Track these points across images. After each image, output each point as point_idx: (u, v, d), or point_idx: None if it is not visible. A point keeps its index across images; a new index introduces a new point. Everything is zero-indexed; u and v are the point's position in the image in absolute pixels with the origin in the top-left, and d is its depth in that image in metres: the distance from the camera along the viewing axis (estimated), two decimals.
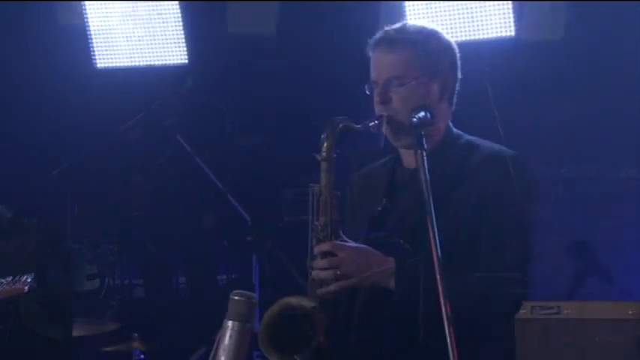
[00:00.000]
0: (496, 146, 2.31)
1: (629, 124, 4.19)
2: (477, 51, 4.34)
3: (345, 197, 2.35)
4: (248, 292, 2.14)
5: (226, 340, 2.10)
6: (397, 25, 2.31)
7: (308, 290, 2.19)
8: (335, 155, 2.19)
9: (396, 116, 2.24)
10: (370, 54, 2.30)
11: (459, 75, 2.34)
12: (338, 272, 2.12)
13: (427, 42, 2.28)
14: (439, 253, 1.94)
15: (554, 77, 4.36)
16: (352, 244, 2.18)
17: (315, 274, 2.16)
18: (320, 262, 2.15)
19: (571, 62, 4.34)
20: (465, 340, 1.89)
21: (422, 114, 2.13)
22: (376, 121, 2.23)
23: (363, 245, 2.19)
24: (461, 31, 4.40)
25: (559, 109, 4.33)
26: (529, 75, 4.36)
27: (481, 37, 4.38)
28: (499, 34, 4.37)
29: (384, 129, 2.25)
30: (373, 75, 2.29)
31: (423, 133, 2.08)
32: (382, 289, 2.16)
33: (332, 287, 2.14)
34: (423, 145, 2.05)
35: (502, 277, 2.15)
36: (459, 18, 4.41)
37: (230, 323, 2.11)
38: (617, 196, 4.24)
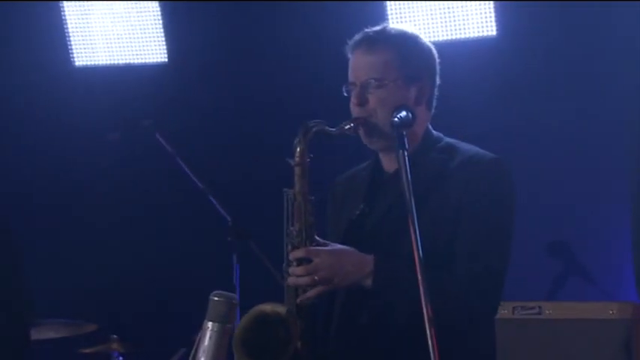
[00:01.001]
0: (475, 149, 2.32)
1: (614, 123, 4.22)
2: (457, 51, 4.37)
3: (324, 201, 2.35)
4: (228, 293, 2.15)
5: (206, 341, 2.11)
6: (377, 27, 2.33)
7: (285, 296, 2.20)
8: (309, 160, 2.19)
9: (373, 118, 2.25)
10: (349, 55, 2.31)
11: (438, 80, 2.35)
12: (315, 278, 2.12)
13: (407, 45, 2.29)
14: (420, 253, 1.95)
15: (538, 78, 4.39)
16: (327, 247, 2.18)
17: (291, 280, 2.16)
18: (296, 269, 2.15)
19: (556, 63, 4.36)
20: (443, 341, 1.91)
21: (403, 113, 2.14)
22: (352, 124, 2.23)
23: (339, 246, 2.20)
24: (441, 31, 4.41)
25: (542, 110, 4.36)
26: (510, 75, 4.38)
27: (462, 36, 4.40)
28: (480, 34, 4.38)
29: (360, 131, 2.25)
30: (351, 76, 2.30)
31: (404, 133, 2.09)
32: (361, 290, 2.16)
33: (310, 293, 2.15)
34: (404, 144, 2.06)
35: (478, 278, 2.16)
36: (440, 17, 4.42)
37: (210, 324, 2.12)
38: (599, 195, 4.27)
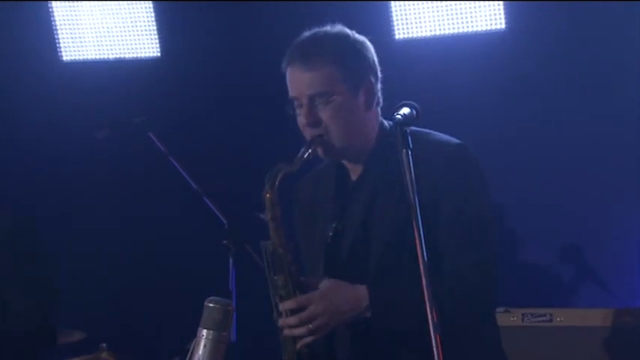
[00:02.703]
0: (439, 136, 2.30)
1: (628, 119, 4.23)
2: (466, 45, 4.39)
3: (292, 212, 2.37)
4: (224, 299, 2.15)
5: (201, 349, 2.12)
6: (309, 34, 2.29)
7: (282, 346, 2.23)
8: (280, 210, 2.21)
9: (329, 136, 2.24)
10: (286, 69, 2.29)
11: (379, 73, 2.32)
12: (311, 326, 2.14)
13: (344, 51, 2.26)
14: (425, 259, 1.95)
15: (547, 72, 4.40)
16: (318, 291, 2.19)
17: (287, 332, 2.19)
18: (290, 320, 2.18)
19: (565, 57, 4.37)
20: (447, 346, 1.92)
21: (406, 111, 2.14)
22: (309, 150, 2.23)
23: (328, 283, 2.20)
24: (450, 25, 4.44)
25: (552, 105, 4.37)
26: (520, 69, 4.39)
27: (471, 30, 4.42)
28: (489, 28, 4.40)
29: (319, 151, 2.25)
30: (293, 92, 2.28)
31: (407, 130, 2.09)
32: (364, 322, 2.18)
33: (308, 340, 2.18)
34: (408, 143, 2.06)
35: (470, 274, 2.17)
36: (448, 11, 4.44)
37: (205, 332, 2.12)
38: (612, 197, 4.28)
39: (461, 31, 4.43)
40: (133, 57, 5.02)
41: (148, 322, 4.89)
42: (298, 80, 2.26)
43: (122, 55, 5.03)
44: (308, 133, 2.26)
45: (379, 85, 2.32)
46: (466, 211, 2.20)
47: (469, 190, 2.22)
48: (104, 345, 4.12)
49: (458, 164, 2.22)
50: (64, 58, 5.07)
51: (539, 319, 3.62)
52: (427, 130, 2.31)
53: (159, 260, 4.95)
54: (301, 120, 2.27)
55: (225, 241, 4.05)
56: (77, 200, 5.07)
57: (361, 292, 2.16)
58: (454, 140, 2.28)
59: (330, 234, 2.30)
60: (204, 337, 2.12)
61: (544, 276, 4.25)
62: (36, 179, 5.06)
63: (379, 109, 2.34)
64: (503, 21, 4.39)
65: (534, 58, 4.38)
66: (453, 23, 4.43)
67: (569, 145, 4.35)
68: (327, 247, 2.31)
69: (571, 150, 4.35)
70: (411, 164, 2.03)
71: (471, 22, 4.44)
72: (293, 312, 2.17)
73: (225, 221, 4.11)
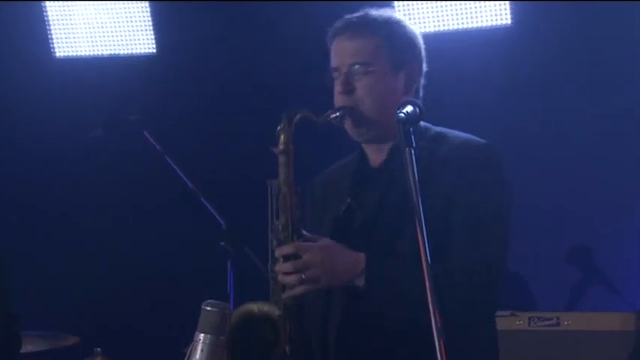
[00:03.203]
0: (465, 136, 2.34)
1: (635, 117, 4.23)
2: (470, 40, 4.39)
3: (306, 206, 2.36)
4: (221, 303, 2.15)
5: (197, 354, 2.11)
6: (359, 13, 2.35)
7: (270, 295, 2.22)
8: (293, 148, 2.21)
9: (360, 107, 2.27)
10: (330, 43, 2.32)
11: (425, 67, 2.37)
12: (303, 276, 2.13)
13: (393, 30, 2.32)
14: (428, 258, 1.95)
15: (553, 68, 4.40)
16: (317, 243, 2.20)
17: (279, 278, 2.17)
18: (283, 266, 2.17)
19: (571, 52, 4.38)
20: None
21: (410, 108, 2.14)
22: (338, 113, 2.24)
23: (329, 241, 2.20)
24: (455, 20, 4.44)
25: (557, 102, 4.37)
26: (525, 65, 4.40)
27: (476, 25, 4.43)
28: (494, 23, 4.41)
29: (346, 122, 2.27)
30: (334, 62, 2.31)
31: (411, 129, 2.09)
32: (354, 290, 2.17)
33: (296, 291, 2.16)
34: (411, 142, 2.06)
35: (474, 270, 2.17)
36: (453, 6, 4.44)
37: (202, 336, 2.12)
38: (620, 197, 4.28)
39: (466, 26, 4.44)
40: (127, 53, 5.02)
41: (143, 326, 4.89)
42: (342, 49, 2.29)
43: (116, 52, 5.03)
44: (340, 101, 2.27)
45: (422, 80, 2.36)
46: (482, 208, 2.21)
47: (488, 190, 2.24)
48: (99, 350, 4.12)
49: (481, 163, 2.25)
50: (57, 55, 5.07)
51: (546, 323, 3.62)
52: (452, 131, 2.35)
53: (154, 262, 4.95)
54: (337, 88, 2.29)
55: (222, 243, 4.05)
56: (70, 200, 5.06)
57: (359, 257, 2.17)
58: (479, 140, 2.31)
59: (343, 208, 2.30)
60: (201, 342, 2.12)
61: (551, 278, 4.25)
62: (28, 178, 5.06)
63: None
64: (509, 16, 4.40)
65: (539, 56, 4.39)
66: (458, 18, 4.44)
67: (573, 144, 4.36)
68: (337, 222, 2.31)
69: (575, 149, 4.35)
70: (414, 163, 2.03)
71: (477, 17, 4.44)
72: (288, 259, 2.16)
73: (222, 222, 4.11)
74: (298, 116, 2.22)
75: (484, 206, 2.22)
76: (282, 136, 2.22)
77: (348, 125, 2.29)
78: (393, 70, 2.29)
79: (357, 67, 2.26)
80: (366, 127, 2.28)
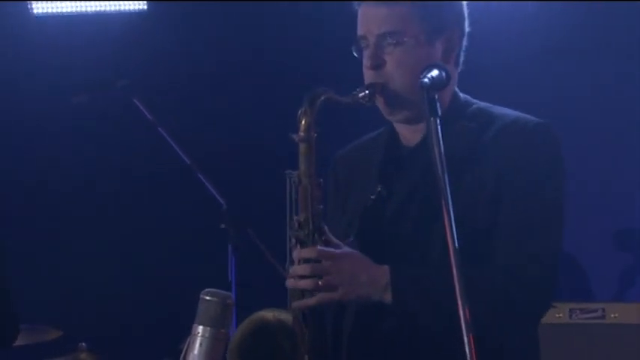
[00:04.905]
0: (515, 114, 2.30)
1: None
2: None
3: (327, 184, 2.36)
4: (222, 292, 2.17)
5: (196, 348, 2.13)
6: None
7: (288, 300, 2.21)
8: (316, 134, 2.20)
9: (391, 84, 2.24)
10: (357, 7, 2.28)
11: (467, 28, 2.32)
12: (320, 283, 2.14)
13: None
14: (456, 244, 1.96)
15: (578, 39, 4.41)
16: (339, 249, 2.18)
17: (292, 282, 2.17)
18: (300, 268, 2.15)
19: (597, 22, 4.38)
20: (480, 352, 1.92)
21: (435, 72, 2.12)
22: (367, 91, 2.23)
23: (351, 250, 2.20)
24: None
25: (585, 73, 4.38)
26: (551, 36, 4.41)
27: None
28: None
29: (377, 100, 2.25)
30: (361, 30, 2.27)
31: (436, 96, 2.08)
32: (375, 303, 2.18)
33: (311, 300, 2.15)
34: (437, 111, 2.05)
35: (522, 271, 2.17)
36: None
37: (200, 329, 2.13)
38: None
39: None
40: (115, 10, 5.03)
41: (135, 318, 4.92)
42: (369, 16, 2.25)
43: (103, 8, 5.03)
44: (369, 77, 2.26)
45: (464, 42, 2.31)
46: (534, 196, 2.19)
47: (543, 175, 2.21)
48: (83, 344, 4.16)
49: (535, 144, 2.22)
50: (35, 11, 5.08)
51: (590, 315, 3.63)
52: (497, 107, 2.31)
53: (148, 247, 4.96)
54: (365, 62, 2.26)
55: (223, 225, 4.07)
56: (51, 175, 5.08)
57: (383, 270, 2.16)
58: (534, 118, 2.27)
59: (372, 197, 2.29)
60: (199, 335, 2.13)
61: (596, 265, 4.26)
62: (3, 150, 5.07)
63: (457, 72, 2.32)
64: None
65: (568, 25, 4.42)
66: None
67: (622, 121, 4.37)
68: (365, 212, 2.29)
69: (625, 125, 4.36)
70: (440, 134, 2.03)
71: None
72: (307, 262, 2.15)
73: (223, 202, 4.12)
74: (322, 97, 2.18)
75: (537, 197, 2.19)
76: (303, 122, 2.17)
77: (380, 105, 2.26)
78: (429, 37, 2.24)
79: (387, 37, 2.22)
80: (399, 107, 2.25)
